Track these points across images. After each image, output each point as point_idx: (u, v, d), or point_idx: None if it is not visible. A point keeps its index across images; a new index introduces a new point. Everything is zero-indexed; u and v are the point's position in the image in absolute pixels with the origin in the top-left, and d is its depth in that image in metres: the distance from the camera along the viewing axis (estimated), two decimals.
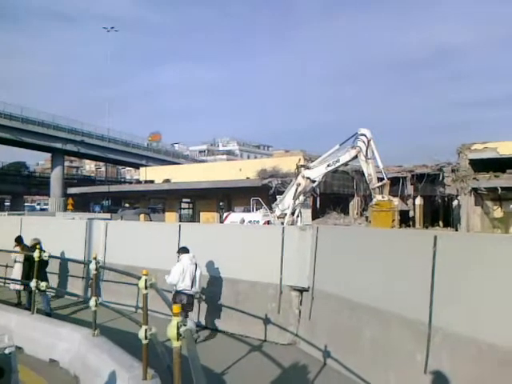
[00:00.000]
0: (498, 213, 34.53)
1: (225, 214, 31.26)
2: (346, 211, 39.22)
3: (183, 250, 9.70)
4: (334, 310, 8.58)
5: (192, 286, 9.34)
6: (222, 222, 30.84)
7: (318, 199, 34.64)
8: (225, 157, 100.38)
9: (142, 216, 36.87)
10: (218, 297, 10.60)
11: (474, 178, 32.71)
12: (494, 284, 5.54)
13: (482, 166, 32.38)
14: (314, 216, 33.13)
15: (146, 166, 63.10)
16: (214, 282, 10.70)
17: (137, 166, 72.89)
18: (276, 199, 23.79)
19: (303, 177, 21.50)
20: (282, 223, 20.45)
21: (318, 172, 21.45)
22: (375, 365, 7.12)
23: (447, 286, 6.10)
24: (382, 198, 19.82)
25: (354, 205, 41.24)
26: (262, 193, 32.57)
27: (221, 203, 41.52)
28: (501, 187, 31.54)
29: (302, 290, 9.77)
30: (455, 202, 35.06)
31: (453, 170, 34.29)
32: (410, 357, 6.44)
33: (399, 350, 6.75)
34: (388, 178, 21.36)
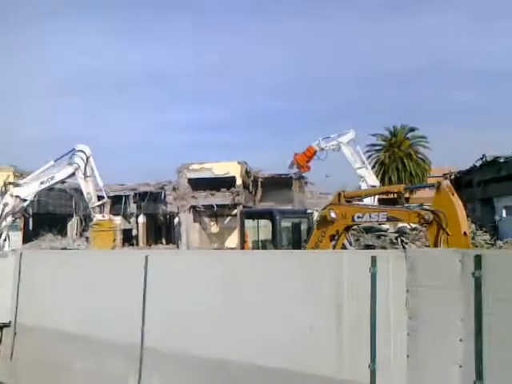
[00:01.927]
0: (214, 228, 37.95)
1: None
2: (64, 232, 36.90)
3: None
4: (41, 344, 7.91)
5: None
6: None
7: (31, 220, 31.54)
8: None
9: None
10: None
11: (193, 196, 35.26)
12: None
13: (200, 184, 35.16)
14: (26, 239, 30.11)
15: None
16: None
17: None
18: None
19: (12, 195, 19.05)
20: None
21: (29, 190, 19.35)
22: None
23: (158, 305, 6.08)
24: (103, 217, 19.25)
25: (73, 225, 39.15)
26: None
27: None
28: (216, 204, 34.86)
29: (2, 326, 8.46)
30: (176, 219, 36.92)
31: (174, 189, 36.17)
32: (123, 381, 6.30)
33: (112, 377, 6.50)
34: (110, 197, 21.02)
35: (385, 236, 23.47)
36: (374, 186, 24.60)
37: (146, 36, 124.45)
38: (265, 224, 13.16)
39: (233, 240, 34.42)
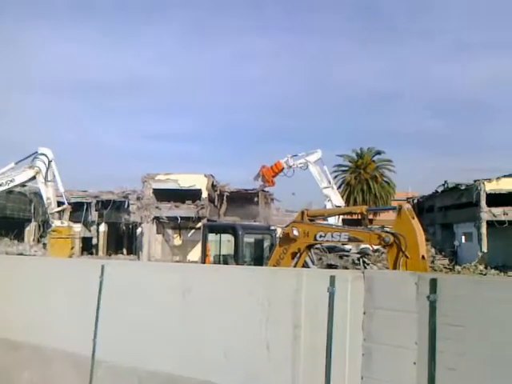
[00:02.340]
0: (177, 240, 37.47)
1: None
2: (21, 237, 35.68)
3: None
4: None
5: None
6: None
7: None
8: None
9: None
10: None
11: (157, 207, 34.81)
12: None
13: (164, 195, 34.76)
14: None
15: None
16: None
17: None
18: None
19: None
20: None
21: None
22: None
23: (112, 316, 5.91)
24: (62, 223, 18.79)
25: (31, 230, 37.96)
26: None
27: None
28: (180, 217, 34.48)
29: None
30: (139, 230, 36.33)
31: (138, 198, 35.62)
32: None
33: None
34: (71, 203, 20.57)
35: (347, 256, 23.74)
36: (339, 206, 24.94)
37: (127, 43, 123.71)
38: (228, 239, 13.07)
39: (195, 253, 34.02)
